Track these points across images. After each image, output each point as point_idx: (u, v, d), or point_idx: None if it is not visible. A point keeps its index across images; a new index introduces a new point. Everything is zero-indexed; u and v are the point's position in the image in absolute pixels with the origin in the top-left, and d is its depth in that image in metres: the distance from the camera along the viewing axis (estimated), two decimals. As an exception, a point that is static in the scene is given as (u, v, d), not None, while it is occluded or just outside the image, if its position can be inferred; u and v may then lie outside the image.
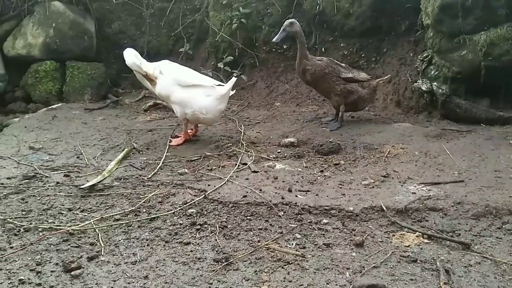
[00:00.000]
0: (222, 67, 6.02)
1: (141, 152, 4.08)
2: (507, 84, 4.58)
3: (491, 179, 3.22)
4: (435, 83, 4.81)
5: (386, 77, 4.87)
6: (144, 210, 2.96)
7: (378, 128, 4.43)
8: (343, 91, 4.55)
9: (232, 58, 6.01)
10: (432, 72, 4.87)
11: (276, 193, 3.14)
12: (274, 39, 4.69)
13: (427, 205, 2.91)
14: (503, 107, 4.58)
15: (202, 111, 4.05)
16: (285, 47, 5.98)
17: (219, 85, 4.09)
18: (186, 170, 3.61)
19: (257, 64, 6.12)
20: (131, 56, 4.24)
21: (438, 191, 3.10)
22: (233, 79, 3.99)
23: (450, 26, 4.60)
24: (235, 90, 4.37)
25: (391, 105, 5.24)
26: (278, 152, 4.01)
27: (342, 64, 4.69)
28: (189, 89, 4.09)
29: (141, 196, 3.16)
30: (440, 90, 4.75)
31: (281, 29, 4.58)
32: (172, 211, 2.92)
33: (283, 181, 3.37)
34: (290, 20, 4.58)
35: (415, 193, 3.09)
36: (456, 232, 2.64)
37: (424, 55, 5.05)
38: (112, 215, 2.86)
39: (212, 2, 6.29)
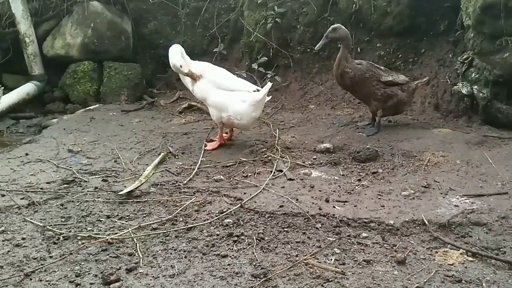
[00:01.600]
0: (256, 68, 6.00)
1: (176, 157, 4.12)
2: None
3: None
4: (475, 87, 4.64)
5: (425, 79, 4.73)
6: (181, 219, 2.98)
7: (417, 134, 4.31)
8: (383, 95, 4.43)
9: (266, 58, 5.97)
10: (473, 74, 4.69)
11: (313, 203, 3.10)
12: (316, 47, 4.62)
13: (470, 220, 2.82)
14: (549, 112, 4.37)
15: (237, 116, 4.04)
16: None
17: (256, 90, 4.07)
18: (221, 177, 3.62)
19: (291, 64, 6.06)
20: (176, 54, 4.20)
21: (482, 203, 2.99)
22: (269, 85, 3.96)
23: (492, 27, 4.41)
24: (270, 96, 4.32)
25: (429, 108, 5.09)
26: (314, 159, 3.96)
27: (382, 67, 4.57)
28: (226, 93, 4.09)
29: (177, 204, 3.19)
30: (481, 94, 4.58)
31: (324, 35, 4.49)
32: (209, 221, 2.92)
33: (319, 190, 3.33)
34: (333, 26, 4.46)
35: (457, 206, 2.99)
36: (501, 249, 2.54)
37: (464, 56, 4.87)
38: (150, 224, 2.90)
39: (247, 1, 6.25)
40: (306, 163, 3.88)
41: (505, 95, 4.57)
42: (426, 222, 2.79)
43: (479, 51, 4.59)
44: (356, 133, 4.52)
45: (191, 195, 3.32)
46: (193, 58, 6.65)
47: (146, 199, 3.26)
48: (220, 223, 2.91)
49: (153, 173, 3.70)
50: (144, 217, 3.02)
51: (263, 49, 6.07)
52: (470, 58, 4.79)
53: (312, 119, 5.11)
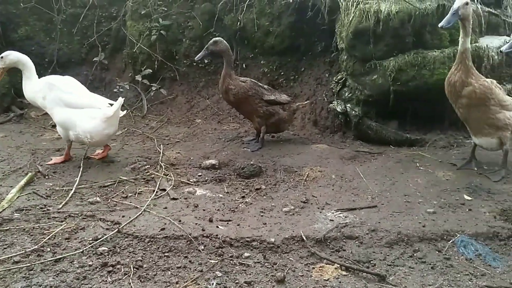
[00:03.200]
0: (140, 79, 5.78)
1: (47, 177, 3.76)
2: (413, 108, 4.88)
3: (401, 204, 3.38)
4: (348, 105, 5.00)
5: (306, 102, 5.03)
6: (49, 249, 2.70)
7: (298, 149, 4.50)
8: (265, 113, 4.57)
9: (151, 70, 5.80)
10: (346, 94, 5.06)
11: (196, 224, 3.03)
12: (196, 57, 4.61)
13: (344, 233, 2.98)
14: (410, 130, 4.87)
15: (87, 135, 3.83)
16: (206, 61, 5.89)
17: (110, 105, 3.90)
18: (98, 198, 3.38)
19: (177, 78, 5.96)
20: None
21: (354, 217, 3.19)
22: (120, 100, 3.81)
23: (362, 51, 4.81)
24: (125, 111, 4.19)
25: (309, 124, 5.37)
26: (199, 176, 3.90)
27: (265, 86, 4.72)
28: (72, 110, 3.86)
29: (45, 232, 2.89)
30: (353, 112, 4.95)
31: (205, 47, 4.49)
32: (81, 250, 2.69)
33: (203, 210, 3.28)
34: (215, 38, 4.51)
35: (333, 220, 3.15)
36: (371, 262, 2.72)
37: (339, 77, 5.24)
38: (11, 256, 2.57)
39: (129, 11, 6.02)
40: (191, 180, 3.81)
41: (374, 113, 4.98)
42: (304, 238, 2.89)
43: (351, 72, 4.97)
44: (241, 148, 4.58)
45: (62, 221, 3.04)
46: (70, 67, 6.30)
47: (8, 227, 2.90)
48: (94, 252, 2.69)
49: (18, 196, 3.32)
50: (5, 248, 2.68)
51: (147, 61, 5.89)
52: (344, 78, 5.16)
53: (198, 134, 5.06)
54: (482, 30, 5.10)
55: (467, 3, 3.68)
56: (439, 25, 3.70)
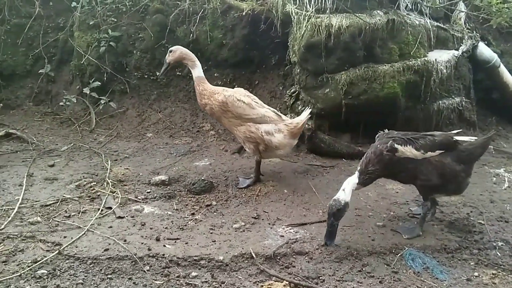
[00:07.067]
0: (88, 92, 5.58)
1: (-16, 196, 3.53)
2: (365, 121, 4.97)
3: (352, 218, 3.40)
4: (301, 118, 5.03)
5: None
6: (-17, 274, 2.52)
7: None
8: None
9: (100, 83, 5.62)
10: (299, 107, 5.08)
11: (142, 243, 2.92)
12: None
13: (294, 249, 2.95)
14: (362, 142, 4.95)
15: None
16: (157, 73, 5.78)
17: None
18: (38, 218, 3.20)
19: (128, 90, 5.79)
20: None
21: (305, 232, 3.18)
22: None
23: (314, 65, 4.86)
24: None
25: (263, 137, 5.34)
26: (148, 192, 3.78)
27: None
28: None
29: (-20, 255, 2.70)
30: (306, 125, 4.97)
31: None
32: (19, 273, 2.53)
33: (151, 228, 3.16)
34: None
35: (283, 236, 3.12)
36: (320, 278, 2.70)
37: (292, 90, 5.27)
38: None
39: (77, 21, 5.82)
40: (139, 197, 3.68)
41: (327, 126, 5.03)
42: (254, 255, 2.84)
43: (304, 86, 5.02)
44: (193, 163, 4.48)
45: (-1, 243, 2.85)
46: (14, 79, 6.02)
47: None
48: (33, 275, 2.54)
49: (-51, 218, 3.09)
50: None
51: (96, 73, 5.70)
52: (297, 91, 5.19)
53: (149, 148, 4.92)
54: (431, 44, 5.30)
55: (171, 51, 4.02)
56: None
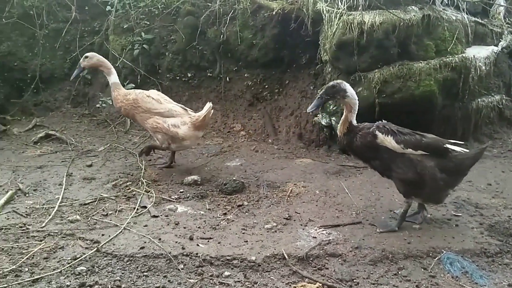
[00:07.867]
0: (123, 94, 5.71)
1: (27, 195, 3.67)
2: (399, 120, 4.85)
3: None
4: (333, 118, 4.98)
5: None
6: (27, 269, 2.63)
7: (281, 164, 4.46)
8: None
9: (134, 85, 5.74)
10: (331, 107, 5.04)
11: (176, 242, 2.97)
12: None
13: (327, 251, 2.93)
14: (396, 142, 4.85)
15: None
16: (189, 75, 5.84)
17: None
18: (78, 217, 3.30)
19: (160, 92, 5.89)
20: None
21: (338, 234, 3.15)
22: None
23: (346, 63, 4.80)
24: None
25: (294, 137, 5.34)
26: (181, 192, 3.84)
27: None
28: None
29: (24, 251, 2.81)
30: (338, 125, 4.92)
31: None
32: (59, 270, 2.62)
33: (184, 227, 3.21)
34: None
35: (315, 237, 3.10)
36: (354, 280, 2.67)
37: (323, 89, 5.23)
38: (-14, 279, 2.49)
39: (112, 25, 5.97)
40: (173, 197, 3.75)
41: (359, 126, 4.96)
42: (286, 256, 2.83)
43: (335, 85, 4.96)
44: (224, 164, 4.52)
45: (41, 240, 2.96)
46: (53, 82, 6.24)
47: (-16, 249, 2.81)
48: (72, 272, 2.62)
49: (-4, 215, 3.24)
50: (-21, 270, 2.60)
51: (130, 75, 5.85)
52: (328, 91, 5.14)
53: (181, 149, 4.99)
54: (469, 40, 5.14)
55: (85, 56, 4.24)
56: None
